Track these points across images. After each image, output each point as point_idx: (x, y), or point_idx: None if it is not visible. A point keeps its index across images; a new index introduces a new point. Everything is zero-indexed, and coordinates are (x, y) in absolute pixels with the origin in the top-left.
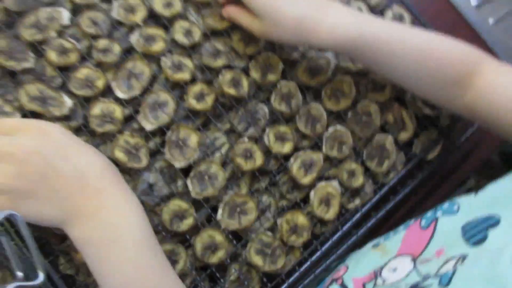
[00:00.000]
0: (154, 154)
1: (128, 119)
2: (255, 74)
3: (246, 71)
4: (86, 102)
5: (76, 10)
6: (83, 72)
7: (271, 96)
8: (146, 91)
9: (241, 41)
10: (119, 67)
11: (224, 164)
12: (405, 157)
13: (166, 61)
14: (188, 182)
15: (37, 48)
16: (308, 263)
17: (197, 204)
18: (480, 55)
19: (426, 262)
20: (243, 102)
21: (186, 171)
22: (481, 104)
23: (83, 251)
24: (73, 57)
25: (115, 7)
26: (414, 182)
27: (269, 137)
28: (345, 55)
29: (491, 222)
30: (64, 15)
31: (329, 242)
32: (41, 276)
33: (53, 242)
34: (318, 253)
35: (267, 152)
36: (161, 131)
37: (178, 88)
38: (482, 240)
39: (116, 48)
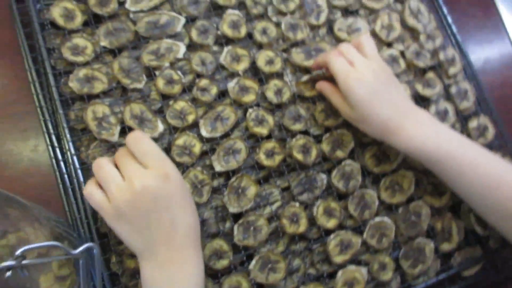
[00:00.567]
0: (215, 190)
1: (203, 155)
2: (325, 147)
3: (318, 139)
4: (174, 130)
5: (191, 47)
6: (180, 104)
7: (333, 170)
8: (226, 135)
9: (323, 112)
10: (210, 107)
11: (270, 219)
12: (440, 266)
13: (251, 113)
14: (235, 227)
15: (151, 72)
16: None
17: (236, 247)
18: None
19: None
20: (306, 169)
21: (236, 216)
22: None
23: (143, 284)
24: (176, 89)
25: (225, 52)
26: None
27: (318, 209)
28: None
29: None
30: (181, 49)
31: None
32: None
33: (113, 242)
34: None
35: (312, 219)
36: (227, 173)
37: (253, 139)
38: None
39: (214, 90)
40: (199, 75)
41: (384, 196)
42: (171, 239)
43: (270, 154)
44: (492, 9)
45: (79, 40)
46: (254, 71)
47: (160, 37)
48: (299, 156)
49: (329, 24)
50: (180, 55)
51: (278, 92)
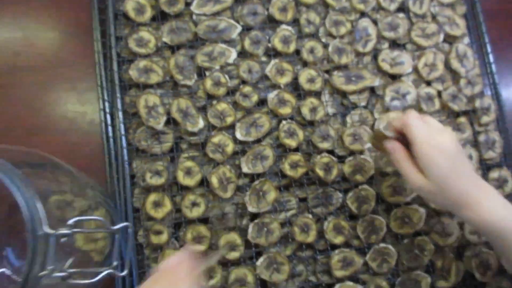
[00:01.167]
0: (239, 189)
1: (233, 155)
2: (346, 168)
3: (341, 160)
4: (212, 128)
5: (241, 54)
6: (222, 106)
7: (349, 192)
8: (258, 140)
9: (351, 136)
10: (249, 113)
11: (283, 224)
12: None
13: (284, 125)
14: (251, 225)
15: (201, 72)
16: None
17: (248, 243)
18: None
19: None
20: (325, 185)
21: (254, 215)
22: None
23: None
24: (221, 91)
25: (271, 64)
26: None
27: (329, 224)
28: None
29: None
30: (233, 55)
31: None
32: (125, 271)
33: (143, 217)
34: None
35: (321, 232)
36: (252, 176)
37: (282, 149)
38: None
39: (254, 98)
40: (244, 82)
41: (393, 226)
42: None
43: (294, 165)
44: None
45: (144, 34)
46: (295, 86)
47: (216, 41)
48: (320, 173)
49: (374, 53)
50: (231, 60)
51: (313, 109)
